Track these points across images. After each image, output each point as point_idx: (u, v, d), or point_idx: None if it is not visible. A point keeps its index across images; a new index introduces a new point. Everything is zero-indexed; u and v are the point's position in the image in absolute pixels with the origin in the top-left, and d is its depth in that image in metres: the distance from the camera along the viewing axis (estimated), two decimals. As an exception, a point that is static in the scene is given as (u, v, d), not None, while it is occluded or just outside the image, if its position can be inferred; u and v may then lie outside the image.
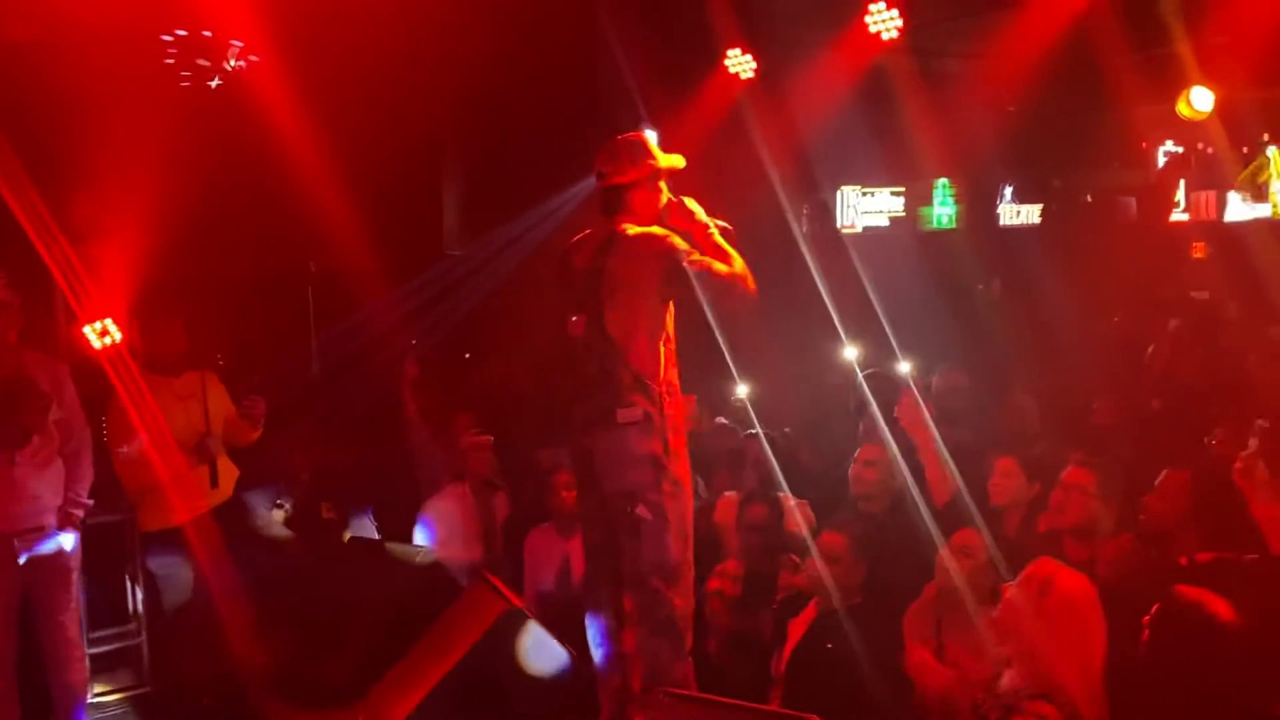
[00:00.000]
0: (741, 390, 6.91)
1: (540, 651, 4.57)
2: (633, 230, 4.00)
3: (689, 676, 4.05)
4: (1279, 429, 4.12)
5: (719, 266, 3.97)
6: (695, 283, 3.90)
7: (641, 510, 3.90)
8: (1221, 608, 3.07)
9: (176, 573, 5.43)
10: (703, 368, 5.12)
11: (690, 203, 4.14)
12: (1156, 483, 4.35)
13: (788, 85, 8.73)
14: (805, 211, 11.43)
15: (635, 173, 4.05)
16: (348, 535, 6.40)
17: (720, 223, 4.17)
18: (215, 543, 5.35)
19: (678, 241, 3.97)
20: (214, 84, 7.18)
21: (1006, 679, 3.46)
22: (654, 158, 4.09)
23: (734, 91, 8.68)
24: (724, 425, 6.94)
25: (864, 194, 12.58)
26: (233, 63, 7.17)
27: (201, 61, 7.11)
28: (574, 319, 4.04)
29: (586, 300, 4.00)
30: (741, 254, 4.10)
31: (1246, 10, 7.18)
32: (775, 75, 8.71)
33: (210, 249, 7.27)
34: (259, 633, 5.01)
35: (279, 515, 6.45)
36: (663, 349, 3.99)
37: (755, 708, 3.87)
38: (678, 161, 4.14)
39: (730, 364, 5.40)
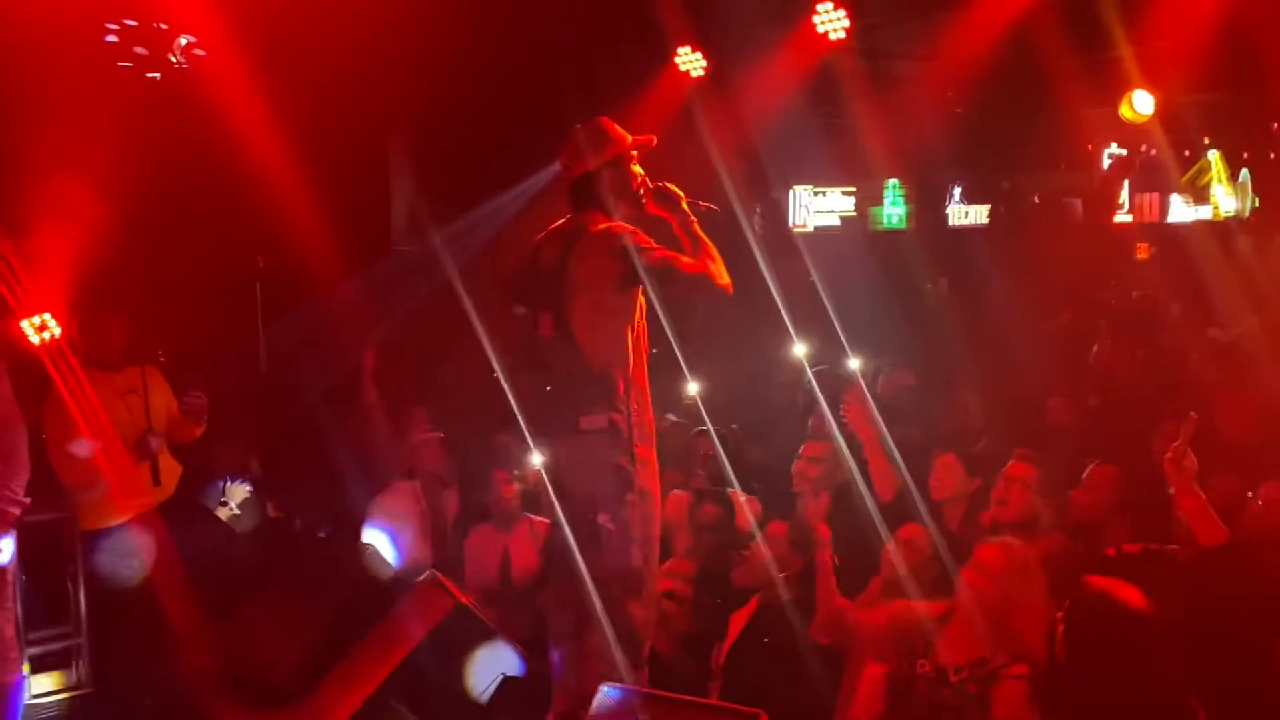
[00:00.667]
0: (692, 387, 6.93)
1: (488, 650, 4.56)
2: (598, 226, 3.85)
3: (643, 683, 3.96)
4: (1211, 424, 4.20)
5: (683, 260, 3.82)
6: (658, 278, 3.76)
7: (603, 519, 3.79)
8: (1133, 595, 3.08)
9: (117, 572, 5.34)
10: (654, 365, 5.11)
11: (671, 188, 4.00)
12: (1083, 477, 4.41)
13: (738, 84, 8.75)
14: (758, 210, 11.50)
15: (596, 159, 3.90)
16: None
17: (706, 205, 4.04)
18: (158, 541, 5.26)
19: (641, 238, 3.80)
20: (156, 77, 7.06)
21: (949, 652, 3.53)
22: (615, 141, 3.92)
23: (684, 89, 8.68)
24: (674, 423, 6.96)
25: (816, 193, 12.71)
26: (177, 56, 7.05)
27: (140, 50, 6.98)
28: (543, 318, 3.91)
29: (551, 299, 3.87)
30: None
31: (1186, 15, 7.32)
32: (726, 74, 8.73)
33: (155, 242, 7.15)
34: (202, 632, 4.94)
35: (224, 513, 6.38)
36: (631, 351, 3.85)
37: (703, 703, 3.89)
38: (646, 140, 3.99)
39: (681, 361, 5.38)
